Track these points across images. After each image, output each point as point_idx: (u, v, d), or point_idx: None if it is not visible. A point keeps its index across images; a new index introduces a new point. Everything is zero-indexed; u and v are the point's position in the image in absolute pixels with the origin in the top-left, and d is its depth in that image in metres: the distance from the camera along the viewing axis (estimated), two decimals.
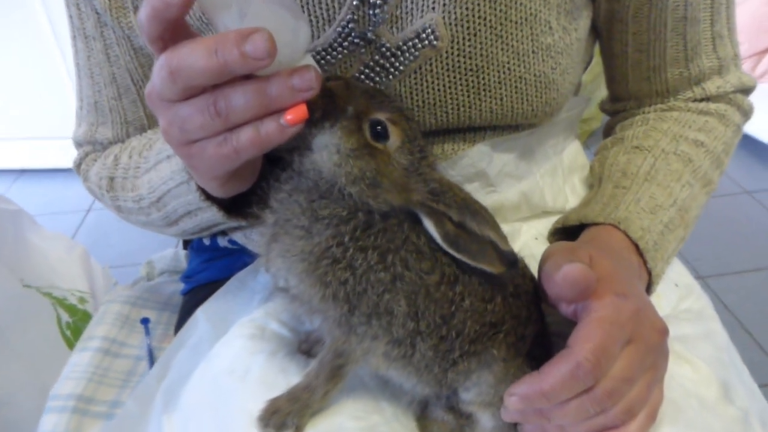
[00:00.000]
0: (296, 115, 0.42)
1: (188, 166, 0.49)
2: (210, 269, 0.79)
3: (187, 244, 1.11)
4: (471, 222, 0.46)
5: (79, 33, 0.69)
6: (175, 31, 0.41)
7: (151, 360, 0.90)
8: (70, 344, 1.06)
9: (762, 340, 1.66)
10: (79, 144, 0.77)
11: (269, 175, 0.52)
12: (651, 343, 0.49)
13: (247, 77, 0.42)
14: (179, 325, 0.83)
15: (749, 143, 2.32)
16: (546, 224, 0.70)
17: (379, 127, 0.48)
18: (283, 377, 0.56)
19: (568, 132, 0.75)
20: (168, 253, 1.13)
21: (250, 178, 0.53)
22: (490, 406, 0.50)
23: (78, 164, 0.77)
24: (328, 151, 0.47)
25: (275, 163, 0.52)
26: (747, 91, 0.72)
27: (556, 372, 0.45)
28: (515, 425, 0.51)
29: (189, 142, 0.45)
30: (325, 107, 0.47)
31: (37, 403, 0.97)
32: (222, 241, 0.79)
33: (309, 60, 0.44)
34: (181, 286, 1.03)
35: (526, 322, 0.52)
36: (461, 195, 0.48)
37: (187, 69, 0.40)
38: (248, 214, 0.58)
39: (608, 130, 0.80)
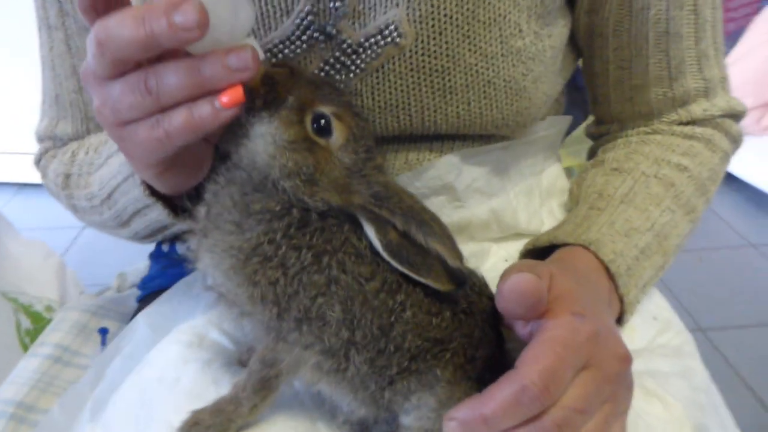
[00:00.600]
0: (232, 97, 0.39)
1: (122, 152, 0.47)
2: (164, 276, 0.75)
3: None
4: (417, 232, 0.42)
5: (42, 23, 0.67)
6: (107, 4, 0.39)
7: None
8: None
9: (765, 397, 1.57)
10: (40, 139, 0.75)
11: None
12: (610, 371, 0.43)
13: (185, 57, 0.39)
14: None
15: (754, 195, 2.27)
16: (518, 246, 0.66)
17: (322, 121, 0.45)
18: (214, 389, 0.52)
19: (548, 152, 0.72)
20: (141, 265, 1.09)
21: (194, 172, 0.50)
22: None
23: (38, 160, 0.75)
24: (264, 140, 0.44)
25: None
26: (736, 116, 0.69)
27: (499, 395, 0.40)
28: None
29: (121, 123, 0.42)
30: (265, 95, 0.44)
31: None
32: (181, 248, 0.75)
33: (252, 42, 0.41)
34: None
35: (479, 343, 0.47)
36: (408, 202, 0.44)
37: (115, 40, 0.38)
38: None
39: (591, 154, 0.76)
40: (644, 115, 0.69)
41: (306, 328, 0.43)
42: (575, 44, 0.69)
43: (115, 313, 0.96)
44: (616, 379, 0.44)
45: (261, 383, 0.46)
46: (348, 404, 0.47)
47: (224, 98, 0.39)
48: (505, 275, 0.45)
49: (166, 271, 0.75)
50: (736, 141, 0.69)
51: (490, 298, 0.49)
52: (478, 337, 0.47)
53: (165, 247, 0.78)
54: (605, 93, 0.70)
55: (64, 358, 0.86)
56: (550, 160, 0.73)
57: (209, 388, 0.52)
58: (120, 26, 0.37)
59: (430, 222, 0.43)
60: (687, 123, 0.67)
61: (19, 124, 2.50)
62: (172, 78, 0.39)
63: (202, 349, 0.57)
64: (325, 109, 0.45)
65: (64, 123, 0.71)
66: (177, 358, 0.55)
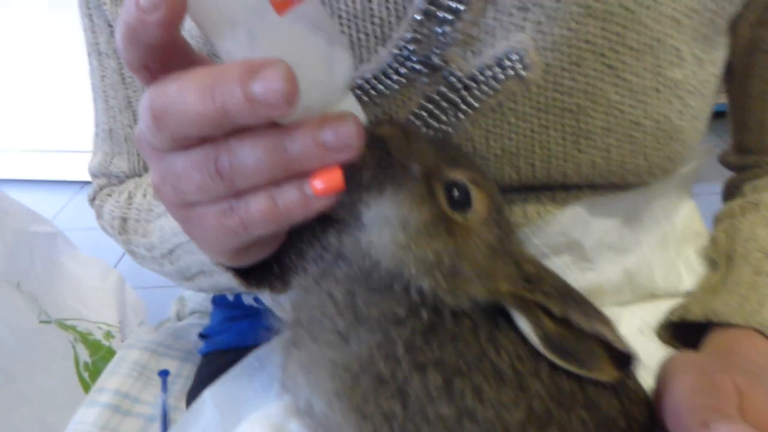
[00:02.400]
0: (327, 182, 0.30)
1: (187, 235, 0.37)
2: (230, 331, 0.67)
3: None
4: (577, 315, 0.34)
5: (92, 49, 0.59)
6: (164, 57, 0.30)
7: (164, 423, 0.79)
8: (87, 388, 0.97)
9: None
10: (94, 176, 0.67)
11: (291, 243, 0.39)
12: None
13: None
14: (190, 394, 0.71)
15: None
16: (654, 311, 0.54)
17: (457, 192, 0.34)
18: None
19: (681, 188, 0.59)
20: None
21: (274, 243, 0.40)
22: None
23: (92, 198, 0.67)
24: (390, 227, 0.33)
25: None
26: None
27: None
28: None
29: (186, 204, 0.33)
30: (377, 165, 0.34)
31: None
32: (247, 299, 0.66)
33: (349, 101, 0.32)
34: None
35: None
36: (559, 280, 0.36)
37: (175, 115, 0.29)
38: (272, 283, 0.45)
39: (732, 190, 0.63)
40: None
41: None
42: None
43: (176, 351, 0.90)
44: None
45: None
46: None
47: (317, 183, 0.30)
48: (676, 388, 0.36)
49: (233, 326, 0.67)
50: None
51: (645, 402, 0.39)
52: None
53: (230, 297, 0.69)
54: (760, 119, 0.57)
55: (123, 407, 0.79)
56: (684, 198, 0.61)
57: None
58: (182, 97, 0.28)
59: (586, 300, 0.35)
60: None
61: (84, 120, 2.51)
62: (249, 157, 0.29)
63: None
64: (458, 176, 0.35)
65: (119, 159, 0.64)
66: None
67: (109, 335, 1.08)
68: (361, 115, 0.32)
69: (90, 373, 0.97)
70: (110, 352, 1.05)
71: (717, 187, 0.67)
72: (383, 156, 0.34)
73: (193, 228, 0.35)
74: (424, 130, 0.47)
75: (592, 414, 0.35)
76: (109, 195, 0.65)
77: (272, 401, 0.51)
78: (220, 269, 0.45)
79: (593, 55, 0.43)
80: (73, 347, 0.98)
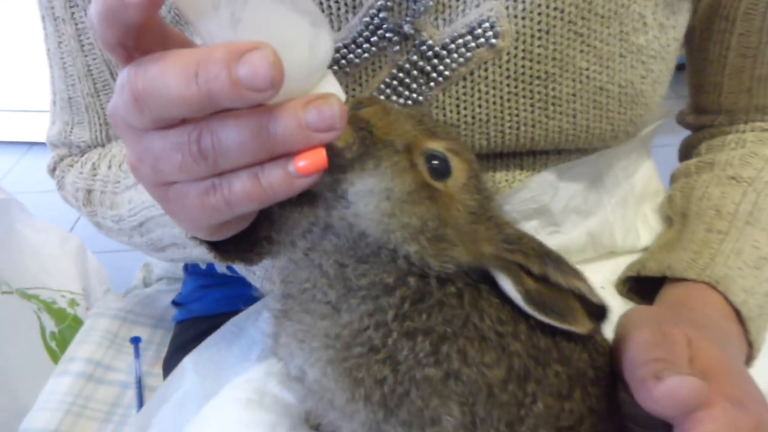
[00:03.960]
0: (311, 161, 0.30)
1: (166, 212, 0.37)
2: (205, 299, 0.67)
3: None
4: (554, 272, 0.36)
5: (47, 13, 0.56)
6: (140, 35, 0.29)
7: (140, 389, 0.80)
8: (55, 357, 0.96)
9: None
10: (53, 145, 0.65)
11: (271, 216, 0.39)
12: None
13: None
14: (167, 362, 0.71)
15: None
16: (614, 268, 0.57)
17: (435, 162, 0.35)
18: None
19: (641, 150, 0.62)
20: None
21: (249, 217, 0.41)
22: None
23: (52, 169, 0.66)
24: (375, 198, 0.34)
25: None
26: None
27: None
28: None
29: (165, 183, 0.33)
30: (361, 141, 0.34)
31: (13, 427, 0.87)
32: (220, 268, 0.67)
33: (330, 80, 0.32)
34: None
35: (606, 415, 0.40)
36: (535, 241, 0.37)
37: (157, 97, 0.28)
38: (245, 255, 0.46)
39: (688, 149, 0.66)
40: (762, 109, 0.59)
41: None
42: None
43: (146, 318, 0.90)
44: None
45: None
46: None
47: (301, 163, 0.30)
48: (631, 341, 0.39)
49: (207, 294, 0.67)
50: None
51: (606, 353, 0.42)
52: (605, 409, 0.40)
53: (202, 264, 0.69)
54: (717, 81, 0.59)
55: (96, 375, 0.80)
56: (643, 158, 0.63)
57: None
58: (164, 79, 0.28)
59: (562, 257, 0.37)
60: None
61: (29, 81, 2.39)
62: (233, 139, 0.29)
63: (262, 409, 0.49)
64: (437, 146, 0.36)
65: (80, 128, 0.62)
66: (237, 422, 0.48)
67: (73, 303, 1.06)
68: (341, 94, 0.32)
69: (57, 342, 0.96)
70: (76, 320, 1.04)
71: (670, 140, 0.69)
72: (365, 134, 0.34)
73: (172, 205, 0.35)
74: (395, 98, 0.47)
75: (565, 368, 0.37)
76: (71, 166, 0.63)
77: (252, 366, 0.52)
78: (193, 243, 0.45)
79: (562, 22, 0.44)
80: (38, 317, 0.96)
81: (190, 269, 0.74)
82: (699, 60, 0.60)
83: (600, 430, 0.39)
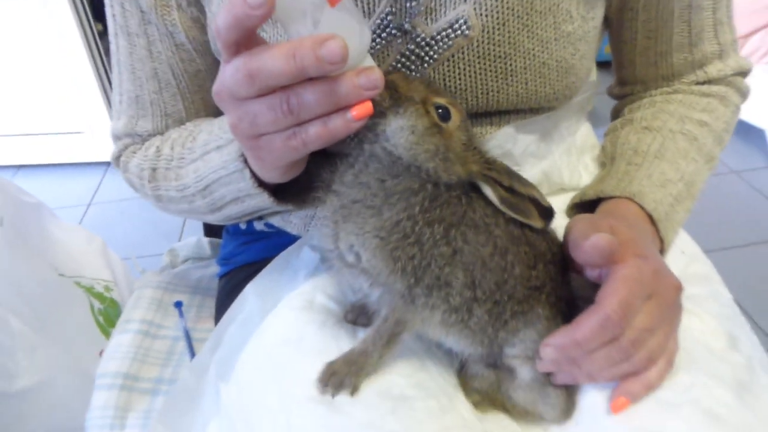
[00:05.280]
0: (362, 110, 0.46)
1: (253, 157, 0.54)
2: (247, 252, 0.83)
3: (210, 232, 1.15)
4: (518, 184, 0.52)
5: (121, 30, 0.73)
6: (249, 37, 0.45)
7: (189, 340, 0.95)
8: (103, 330, 1.10)
9: (751, 312, 1.74)
10: (117, 137, 0.80)
11: (319, 163, 0.56)
12: (668, 299, 0.55)
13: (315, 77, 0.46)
14: (219, 305, 0.87)
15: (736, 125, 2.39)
16: (563, 200, 0.76)
17: (441, 110, 0.53)
18: (335, 344, 0.60)
19: (579, 114, 0.81)
20: (191, 240, 1.17)
21: (303, 164, 0.58)
22: (530, 359, 0.56)
23: (117, 156, 0.81)
24: (405, 133, 0.51)
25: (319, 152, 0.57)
26: (744, 73, 0.78)
27: (587, 324, 0.51)
28: (549, 375, 0.57)
29: (257, 135, 0.49)
30: (391, 97, 0.51)
31: (76, 385, 1.02)
32: (258, 225, 0.83)
33: (370, 60, 0.48)
34: (209, 270, 1.08)
35: (562, 284, 0.57)
36: (504, 164, 0.55)
37: (267, 72, 0.44)
38: (295, 199, 0.62)
39: (616, 113, 0.85)
40: (666, 77, 0.78)
41: (435, 293, 0.53)
42: (605, 16, 0.77)
43: (184, 287, 1.05)
44: (672, 305, 0.55)
45: (390, 338, 0.56)
46: (466, 347, 0.57)
47: (354, 112, 0.46)
48: (572, 229, 0.56)
49: (249, 248, 0.83)
50: (744, 95, 0.79)
51: (560, 246, 0.60)
52: (560, 281, 0.57)
53: (243, 225, 0.86)
54: (631, 58, 0.79)
55: (151, 332, 0.95)
56: (581, 121, 0.82)
57: (330, 343, 0.60)
58: (272, 60, 0.43)
59: (522, 176, 0.54)
60: (704, 83, 0.76)
61: (17, 105, 2.50)
62: (311, 98, 0.45)
63: (313, 312, 0.65)
64: (442, 101, 0.53)
65: (144, 121, 0.77)
66: (295, 321, 0.64)
67: (108, 288, 1.21)
68: (380, 70, 0.49)
69: (104, 317, 1.11)
70: (114, 302, 1.18)
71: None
72: (394, 92, 0.52)
73: (261, 152, 0.51)
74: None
75: (531, 249, 0.55)
76: (134, 153, 0.79)
77: (301, 283, 0.69)
78: (258, 192, 0.61)
79: (513, 17, 0.63)
80: (87, 296, 1.11)
81: (231, 231, 0.90)
82: (617, 42, 0.79)
83: (557, 293, 0.57)
